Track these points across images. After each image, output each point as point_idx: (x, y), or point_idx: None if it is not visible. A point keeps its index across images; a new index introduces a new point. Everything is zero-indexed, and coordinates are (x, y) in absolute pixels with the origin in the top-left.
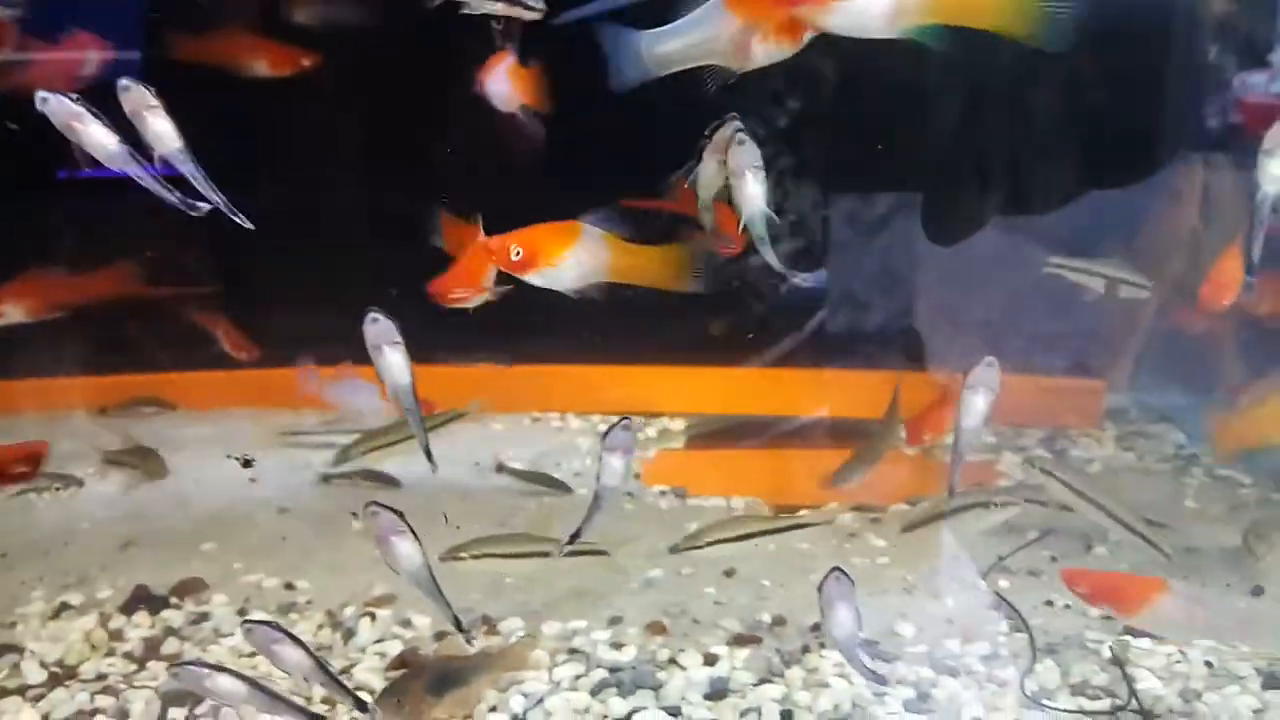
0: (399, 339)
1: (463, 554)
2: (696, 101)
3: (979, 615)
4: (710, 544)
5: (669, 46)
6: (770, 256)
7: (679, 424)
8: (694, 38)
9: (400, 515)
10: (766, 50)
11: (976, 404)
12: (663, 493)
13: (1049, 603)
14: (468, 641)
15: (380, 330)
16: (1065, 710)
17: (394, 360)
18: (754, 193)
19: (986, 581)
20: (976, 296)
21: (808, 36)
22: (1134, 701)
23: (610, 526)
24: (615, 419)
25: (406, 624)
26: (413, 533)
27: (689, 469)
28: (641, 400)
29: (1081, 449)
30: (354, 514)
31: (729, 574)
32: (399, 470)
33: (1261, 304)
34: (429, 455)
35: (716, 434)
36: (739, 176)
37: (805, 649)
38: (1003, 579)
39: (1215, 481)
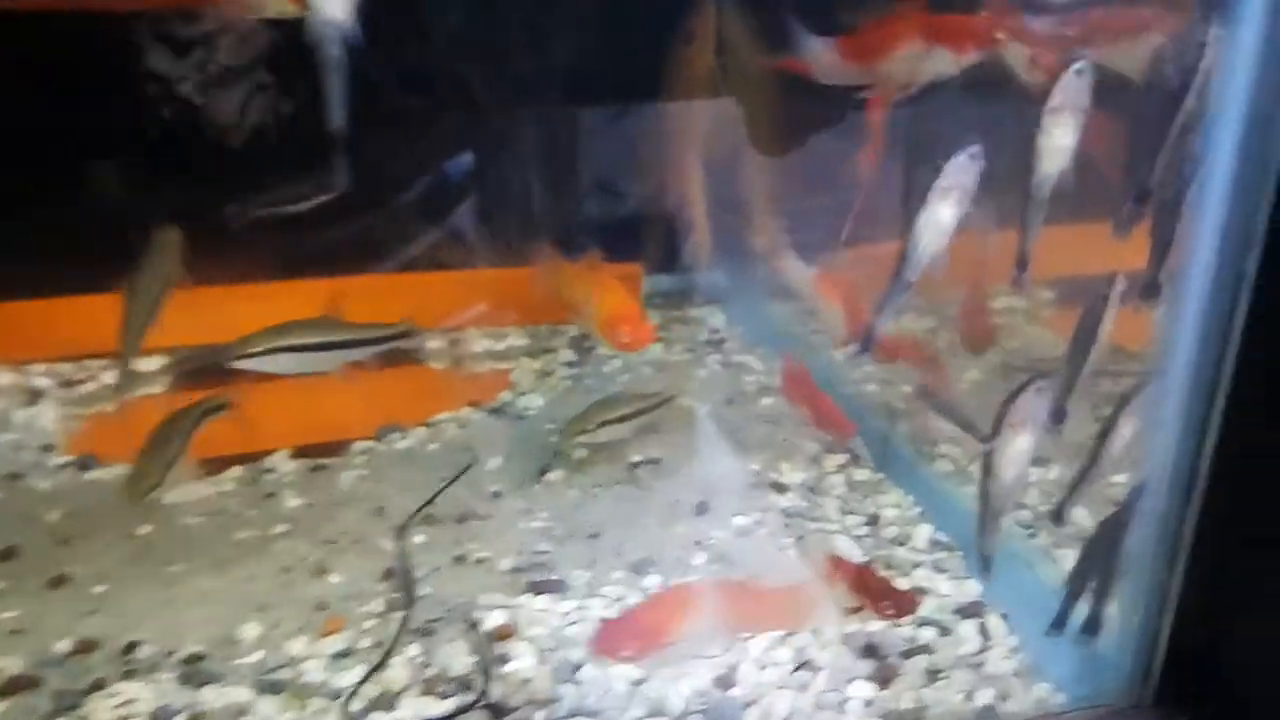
0: None
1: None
2: None
3: (363, 591)
4: None
5: None
6: None
7: (155, 362)
8: None
9: None
10: None
11: None
12: (62, 466)
13: (459, 559)
14: None
15: None
16: None
17: None
18: None
19: (400, 540)
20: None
21: None
22: (485, 696)
23: None
24: None
25: None
26: None
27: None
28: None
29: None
30: None
31: (56, 583)
32: None
33: None
34: None
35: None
36: None
37: (97, 685)
38: (422, 533)
39: (727, 369)
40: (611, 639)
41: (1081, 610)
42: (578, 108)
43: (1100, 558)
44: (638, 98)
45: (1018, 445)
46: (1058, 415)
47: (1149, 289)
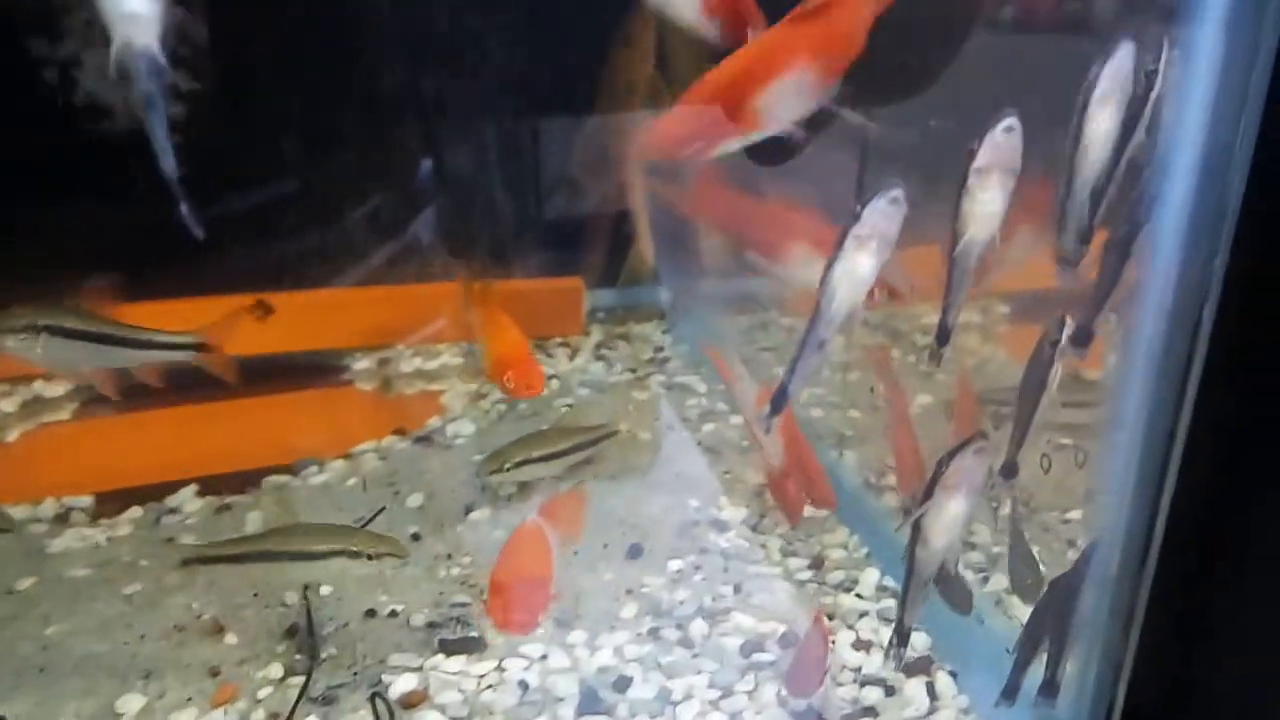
0: None
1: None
2: None
3: (260, 653)
4: None
5: None
6: None
7: (60, 388)
8: None
9: None
10: None
11: None
12: None
13: (370, 612)
14: None
15: None
16: None
17: None
18: None
19: (305, 594)
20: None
21: None
22: None
23: None
24: None
25: None
26: None
27: (41, 455)
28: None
29: (549, 363)
30: None
31: None
32: None
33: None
34: None
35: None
36: None
37: None
38: (330, 584)
39: (669, 391)
40: (516, 608)
41: (1033, 677)
42: (516, 116)
43: (1051, 621)
44: (576, 105)
45: (951, 510)
46: (1008, 470)
47: (1079, 336)
